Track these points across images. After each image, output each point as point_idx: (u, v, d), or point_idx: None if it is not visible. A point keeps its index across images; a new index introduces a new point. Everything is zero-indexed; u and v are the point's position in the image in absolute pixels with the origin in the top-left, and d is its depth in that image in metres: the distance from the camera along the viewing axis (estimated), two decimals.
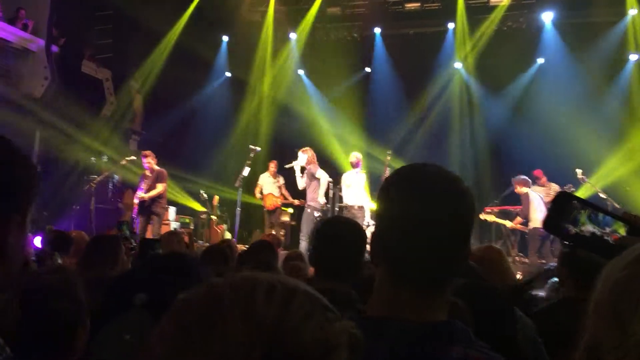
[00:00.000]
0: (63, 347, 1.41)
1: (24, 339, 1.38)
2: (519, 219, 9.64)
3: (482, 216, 10.26)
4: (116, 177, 11.83)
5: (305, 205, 9.47)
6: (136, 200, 9.57)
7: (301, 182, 9.51)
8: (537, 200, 9.25)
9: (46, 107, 11.67)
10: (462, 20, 12.78)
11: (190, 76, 13.74)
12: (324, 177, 9.45)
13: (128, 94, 13.52)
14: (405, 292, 1.08)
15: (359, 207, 9.33)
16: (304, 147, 9.71)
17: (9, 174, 1.06)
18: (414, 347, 1.03)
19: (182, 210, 13.13)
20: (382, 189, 1.15)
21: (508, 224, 9.97)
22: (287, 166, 9.68)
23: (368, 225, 8.71)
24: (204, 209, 12.80)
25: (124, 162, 10.58)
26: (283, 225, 11.66)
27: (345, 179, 9.57)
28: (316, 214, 9.30)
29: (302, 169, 9.43)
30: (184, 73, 13.60)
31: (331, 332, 0.66)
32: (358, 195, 9.38)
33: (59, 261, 3.88)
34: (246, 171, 9.82)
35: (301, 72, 14.44)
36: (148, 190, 9.53)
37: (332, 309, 0.69)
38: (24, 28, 11.74)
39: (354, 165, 9.43)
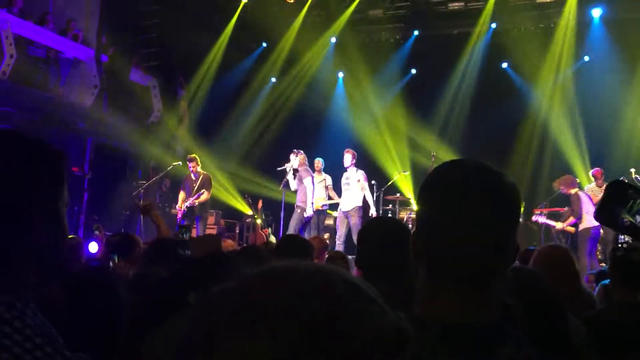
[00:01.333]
0: (102, 343, 1.43)
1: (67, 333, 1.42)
2: (570, 219, 9.36)
3: (534, 218, 10.03)
4: (164, 182, 12.04)
5: (295, 206, 9.62)
6: (184, 205, 9.73)
7: (293, 184, 9.73)
8: (587, 201, 8.99)
9: (96, 114, 12.01)
10: (508, 19, 12.59)
11: (235, 81, 13.93)
12: (309, 184, 9.58)
13: (174, 101, 13.77)
14: (446, 292, 1.06)
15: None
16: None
17: (20, 168, 1.05)
18: (461, 349, 1.01)
19: (227, 213, 13.29)
20: (422, 187, 1.13)
21: (558, 225, 9.71)
22: (279, 169, 9.84)
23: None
24: (249, 212, 12.92)
25: (171, 167, 10.79)
26: (327, 228, 11.67)
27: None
28: (305, 215, 9.51)
29: (295, 171, 9.62)
30: (229, 79, 13.82)
31: (379, 325, 0.62)
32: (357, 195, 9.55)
33: (111, 263, 3.92)
34: (290, 174, 9.88)
35: (341, 75, 14.46)
36: (193, 194, 9.66)
37: (379, 299, 0.65)
38: (75, 39, 12.10)
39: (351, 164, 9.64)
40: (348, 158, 9.75)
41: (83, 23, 12.33)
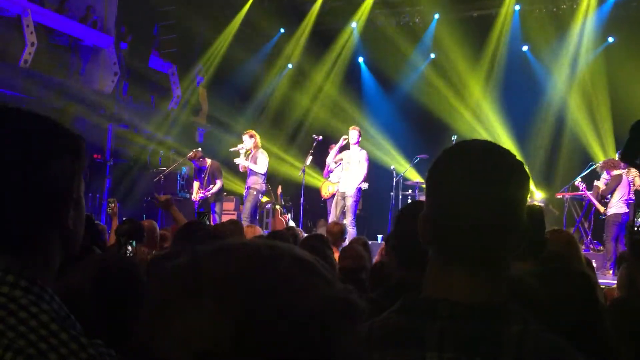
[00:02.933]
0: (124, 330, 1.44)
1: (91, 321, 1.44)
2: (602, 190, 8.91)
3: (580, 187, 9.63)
4: (184, 169, 12.11)
5: (249, 187, 9.37)
6: (197, 196, 9.80)
7: (243, 164, 9.41)
8: (625, 186, 8.71)
9: (116, 101, 12.10)
10: (529, 2, 12.40)
11: (253, 67, 13.94)
12: (264, 164, 9.34)
13: (193, 87, 13.82)
14: (456, 272, 1.07)
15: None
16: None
17: (46, 151, 1.05)
18: (466, 329, 1.02)
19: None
20: (430, 169, 1.14)
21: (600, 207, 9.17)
22: (232, 149, 9.64)
23: None
24: (268, 199, 12.96)
25: (189, 155, 10.81)
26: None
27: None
28: (260, 197, 9.39)
29: (247, 152, 9.38)
30: (247, 65, 13.82)
31: (323, 296, 0.61)
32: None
33: (129, 249, 3.98)
34: (309, 160, 9.88)
35: (361, 59, 14.43)
36: (205, 187, 9.72)
37: (329, 274, 0.65)
38: (94, 26, 12.16)
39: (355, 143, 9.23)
40: (354, 135, 9.19)
41: (102, 11, 12.39)
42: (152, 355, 0.59)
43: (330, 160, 9.74)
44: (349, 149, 9.37)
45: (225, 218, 10.05)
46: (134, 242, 4.08)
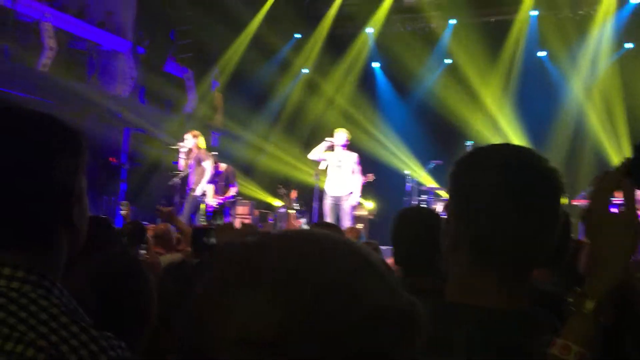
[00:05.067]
0: (135, 330, 1.44)
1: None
2: None
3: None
4: None
5: (190, 189, 9.28)
6: (214, 201, 9.82)
7: (182, 162, 9.31)
8: None
9: (133, 105, 12.18)
10: (546, 7, 12.32)
11: (268, 73, 13.98)
12: (209, 167, 9.24)
13: (208, 92, 13.87)
14: (487, 277, 1.06)
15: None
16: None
17: (54, 147, 1.06)
18: (495, 335, 1.01)
19: (261, 203, 13.36)
20: (462, 171, 1.12)
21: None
22: (172, 147, 9.51)
23: None
24: (282, 203, 12.97)
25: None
26: (360, 219, 11.62)
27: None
28: (200, 199, 9.27)
29: (189, 152, 9.25)
30: (262, 70, 13.87)
31: (380, 304, 0.59)
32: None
33: (143, 252, 4.02)
34: (323, 164, 9.82)
35: (376, 64, 14.42)
36: (220, 193, 9.73)
37: (394, 282, 0.62)
38: (112, 31, 12.28)
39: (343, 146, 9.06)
40: (342, 137, 8.99)
41: (120, 16, 12.50)
42: (198, 337, 0.58)
43: (314, 157, 9.48)
44: (332, 150, 9.21)
45: (239, 222, 10.08)
46: (145, 245, 4.09)
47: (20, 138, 1.04)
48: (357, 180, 9.16)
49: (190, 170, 9.35)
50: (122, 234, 4.07)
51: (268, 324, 0.55)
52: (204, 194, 9.37)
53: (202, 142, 9.38)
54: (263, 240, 0.62)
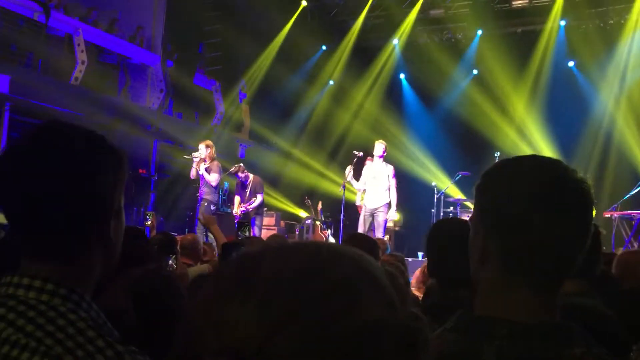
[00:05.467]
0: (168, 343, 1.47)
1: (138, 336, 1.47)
2: None
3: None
4: (226, 184, 12.24)
5: (202, 198, 9.35)
6: (239, 210, 9.87)
7: (192, 172, 9.37)
8: None
9: (162, 118, 12.33)
10: (575, 17, 12.18)
11: (294, 84, 14.04)
12: (216, 177, 9.32)
13: (236, 104, 14.00)
14: (518, 290, 1.06)
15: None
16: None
17: (94, 161, 1.08)
18: (526, 349, 1.00)
19: (287, 214, 13.40)
20: (493, 181, 1.11)
21: None
22: (186, 157, 9.58)
23: None
24: (308, 214, 12.97)
25: (233, 168, 10.93)
26: (386, 230, 11.58)
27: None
28: (212, 207, 9.32)
29: (201, 162, 9.30)
30: (289, 81, 13.95)
31: (374, 318, 0.56)
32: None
33: (170, 263, 3.99)
34: (349, 176, 9.82)
35: (402, 76, 14.43)
36: (246, 201, 9.80)
37: (391, 293, 0.59)
38: (142, 44, 12.48)
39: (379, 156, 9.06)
40: (380, 148, 9.03)
41: (150, 30, 12.71)
42: (190, 347, 0.57)
43: (348, 178, 9.57)
44: (371, 160, 9.25)
45: (265, 233, 10.12)
46: (174, 256, 4.09)
47: (64, 152, 1.06)
48: (393, 193, 9.15)
49: (202, 181, 9.45)
50: (152, 243, 4.07)
51: (256, 336, 0.54)
52: (213, 200, 9.49)
53: (214, 152, 9.48)
54: (260, 251, 0.61)
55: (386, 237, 10.97)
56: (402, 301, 0.60)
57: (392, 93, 14.28)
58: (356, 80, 14.09)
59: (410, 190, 10.74)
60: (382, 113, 13.85)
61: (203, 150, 9.35)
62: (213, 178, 9.34)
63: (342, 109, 14.34)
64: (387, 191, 9.09)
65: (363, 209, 9.33)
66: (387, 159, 9.34)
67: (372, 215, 9.13)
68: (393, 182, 9.15)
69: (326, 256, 0.59)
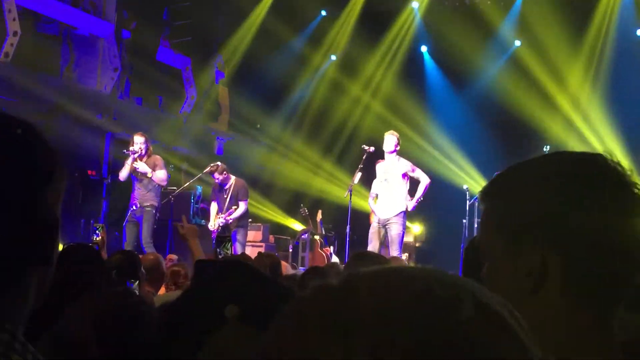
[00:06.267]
0: None
1: None
2: None
3: None
4: (199, 188, 12.22)
5: (140, 207, 9.48)
6: (216, 223, 9.90)
7: (124, 172, 9.47)
8: None
9: (117, 104, 12.29)
10: None
11: (287, 60, 14.05)
12: (162, 177, 9.46)
13: (211, 86, 14.06)
14: (582, 318, 1.10)
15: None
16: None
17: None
18: None
19: (278, 227, 13.45)
20: (550, 185, 1.14)
21: None
22: (125, 151, 9.64)
23: None
24: (304, 226, 12.95)
25: (208, 169, 10.94)
26: (404, 247, 11.58)
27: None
28: (157, 215, 9.46)
29: (140, 158, 9.39)
30: (280, 56, 13.91)
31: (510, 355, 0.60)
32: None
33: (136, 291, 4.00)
34: (357, 177, 9.79)
35: (424, 49, 14.48)
36: (225, 211, 9.86)
37: (522, 336, 0.63)
38: (91, 11, 12.41)
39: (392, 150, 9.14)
40: (390, 142, 9.11)
41: None
42: None
43: (355, 181, 9.70)
44: (383, 159, 9.31)
45: (251, 251, 10.08)
46: (136, 282, 4.14)
47: None
48: (420, 189, 9.27)
49: (135, 183, 9.55)
50: (110, 266, 4.09)
51: None
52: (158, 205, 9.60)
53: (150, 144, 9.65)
54: (348, 284, 0.64)
55: (404, 256, 10.99)
56: (530, 338, 0.63)
57: (412, 71, 14.31)
58: (365, 54, 14.12)
59: (435, 195, 10.67)
60: (399, 97, 13.87)
61: (140, 144, 9.43)
62: (163, 176, 9.50)
63: (347, 93, 14.36)
64: (403, 196, 9.17)
65: (374, 219, 9.40)
66: (403, 155, 9.35)
67: (385, 227, 9.18)
68: (419, 173, 9.29)
69: (441, 291, 0.62)
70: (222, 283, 1.69)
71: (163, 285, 5.30)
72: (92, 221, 11.41)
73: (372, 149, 9.94)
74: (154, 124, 12.20)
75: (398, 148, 9.22)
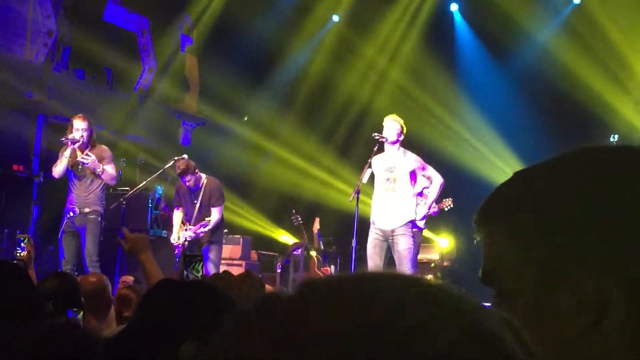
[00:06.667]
0: None
1: None
2: None
3: None
4: (159, 189, 12.19)
5: (86, 212, 9.54)
6: (182, 235, 9.91)
7: (61, 167, 9.55)
8: None
9: (52, 78, 12.21)
10: None
11: (272, 22, 14.02)
12: (109, 174, 9.54)
13: (175, 55, 14.01)
14: None
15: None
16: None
17: None
18: None
19: (262, 240, 13.40)
20: (598, 190, 1.14)
21: None
22: (62, 140, 9.62)
23: None
24: (297, 239, 12.93)
25: (170, 164, 10.88)
26: (427, 266, 11.59)
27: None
28: (103, 223, 9.63)
29: (81, 148, 9.42)
30: (263, 17, 13.89)
31: None
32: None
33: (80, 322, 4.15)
34: (367, 175, 9.75)
35: (454, 7, 14.57)
36: (195, 220, 9.89)
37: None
38: None
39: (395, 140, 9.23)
40: (392, 129, 9.26)
41: None
42: None
43: (364, 180, 9.72)
44: (383, 151, 9.39)
45: (232, 270, 9.98)
46: (80, 312, 4.25)
47: None
48: (433, 192, 9.44)
49: (71, 181, 9.56)
50: (45, 295, 4.05)
51: None
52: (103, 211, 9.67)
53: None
54: (304, 304, 0.69)
55: (429, 277, 10.95)
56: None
57: (438, 36, 14.38)
58: (377, 14, 14.22)
59: (467, 198, 10.64)
60: (421, 70, 13.94)
61: (82, 130, 9.41)
62: (112, 172, 9.59)
63: (352, 64, 14.42)
64: (411, 201, 9.33)
65: (372, 230, 9.48)
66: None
67: (387, 240, 9.30)
68: (431, 171, 9.42)
69: (428, 308, 0.66)
70: (176, 311, 1.73)
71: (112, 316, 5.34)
72: (18, 231, 11.36)
73: (385, 138, 9.90)
74: (100, 105, 12.16)
75: (402, 138, 9.29)
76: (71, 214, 9.51)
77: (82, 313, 4.26)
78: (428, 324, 0.63)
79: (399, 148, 9.30)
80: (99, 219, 9.54)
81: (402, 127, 9.27)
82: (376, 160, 9.42)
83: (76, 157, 9.33)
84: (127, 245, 4.95)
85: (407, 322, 0.63)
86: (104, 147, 9.71)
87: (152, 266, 4.77)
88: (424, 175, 9.50)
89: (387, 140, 9.24)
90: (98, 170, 9.36)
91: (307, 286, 0.69)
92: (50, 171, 9.97)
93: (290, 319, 0.66)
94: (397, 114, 9.51)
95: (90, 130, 9.48)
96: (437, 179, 9.49)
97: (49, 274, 5.13)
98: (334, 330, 0.63)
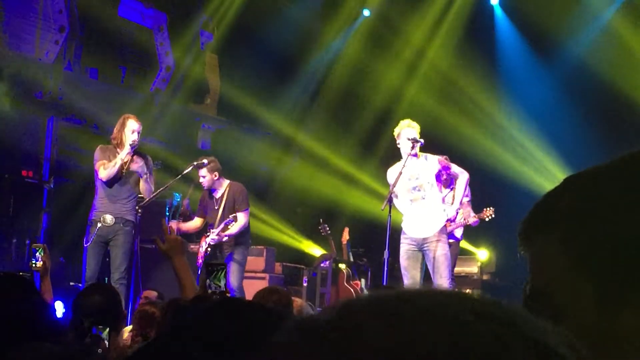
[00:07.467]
0: None
1: None
2: None
3: None
4: (178, 196, 12.18)
5: (123, 222, 9.34)
6: (204, 243, 9.93)
7: (113, 170, 9.23)
8: None
9: (64, 77, 12.22)
10: None
11: (298, 17, 14.07)
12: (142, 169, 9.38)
13: (195, 53, 14.04)
14: None
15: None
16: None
17: None
18: None
19: (287, 253, 13.37)
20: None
21: None
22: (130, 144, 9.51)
23: None
24: (324, 251, 12.91)
25: (190, 169, 10.87)
26: (465, 280, 11.54)
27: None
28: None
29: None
30: (289, 13, 13.91)
31: None
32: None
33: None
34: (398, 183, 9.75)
35: (495, 1, 14.62)
36: (217, 224, 9.86)
37: None
38: None
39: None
40: (411, 135, 9.22)
41: None
42: None
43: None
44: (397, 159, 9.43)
45: (250, 285, 9.96)
46: (106, 329, 4.21)
47: None
48: (458, 192, 9.49)
49: (108, 185, 9.34)
50: (83, 313, 4.17)
51: None
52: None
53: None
54: (354, 324, 0.68)
55: (467, 292, 10.90)
56: None
57: (477, 32, 14.41)
58: (411, 8, 14.21)
59: (508, 206, 10.63)
60: (459, 67, 14.02)
61: (137, 131, 9.29)
62: (150, 183, 9.46)
63: (385, 61, 14.47)
64: (440, 205, 9.40)
65: (403, 241, 9.51)
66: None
67: (422, 249, 9.33)
68: (455, 168, 9.45)
69: (487, 329, 0.67)
70: (202, 337, 1.67)
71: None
72: (27, 241, 11.37)
73: (421, 141, 9.93)
74: (114, 106, 12.15)
75: (421, 143, 9.33)
76: (107, 221, 9.34)
77: (107, 330, 4.20)
78: (493, 343, 0.65)
79: (419, 155, 9.33)
80: (133, 231, 9.37)
81: (417, 134, 9.30)
82: (395, 171, 9.43)
83: (131, 161, 9.19)
84: (164, 245, 5.01)
85: (472, 342, 0.64)
86: (147, 155, 9.59)
87: (186, 272, 4.84)
88: (449, 175, 9.53)
89: (422, 143, 9.27)
90: (144, 177, 9.27)
91: (349, 308, 0.69)
92: (62, 178, 9.95)
93: (341, 348, 0.65)
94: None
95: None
96: (463, 176, 9.52)
97: (87, 288, 5.13)
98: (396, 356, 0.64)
